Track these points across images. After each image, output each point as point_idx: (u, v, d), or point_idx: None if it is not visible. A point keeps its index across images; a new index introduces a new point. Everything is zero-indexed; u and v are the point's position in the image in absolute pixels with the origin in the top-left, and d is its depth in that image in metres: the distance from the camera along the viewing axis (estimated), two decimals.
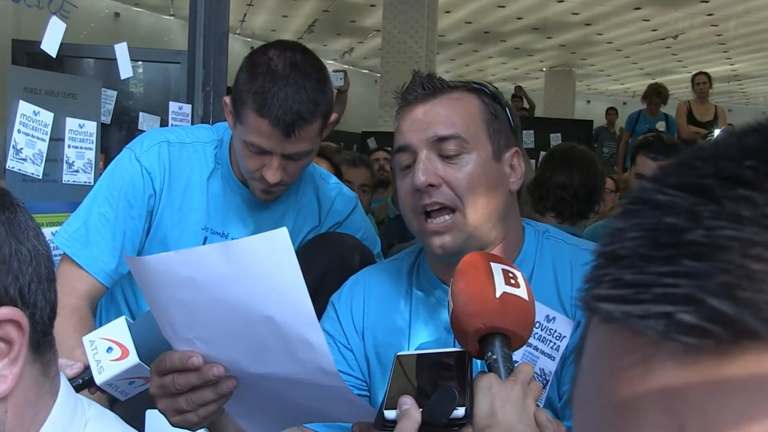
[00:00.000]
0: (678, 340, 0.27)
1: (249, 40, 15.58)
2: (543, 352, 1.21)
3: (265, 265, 0.92)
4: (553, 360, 1.20)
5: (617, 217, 0.32)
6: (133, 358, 1.15)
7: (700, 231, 0.28)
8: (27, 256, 0.77)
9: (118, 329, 1.18)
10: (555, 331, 1.20)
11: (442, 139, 1.26)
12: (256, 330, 0.98)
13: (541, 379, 1.21)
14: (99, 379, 1.15)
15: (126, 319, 1.19)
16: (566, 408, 1.23)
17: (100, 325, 1.91)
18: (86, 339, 1.18)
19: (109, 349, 1.16)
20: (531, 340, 1.08)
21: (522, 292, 1.03)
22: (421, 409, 0.90)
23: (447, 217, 1.26)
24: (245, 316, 0.97)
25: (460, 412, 0.91)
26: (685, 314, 0.27)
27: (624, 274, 0.29)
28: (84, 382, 1.17)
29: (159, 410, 1.10)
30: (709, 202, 0.28)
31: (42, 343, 0.80)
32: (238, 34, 14.78)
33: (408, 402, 0.91)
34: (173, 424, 1.10)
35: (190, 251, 0.98)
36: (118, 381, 1.17)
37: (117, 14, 13.33)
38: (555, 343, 1.21)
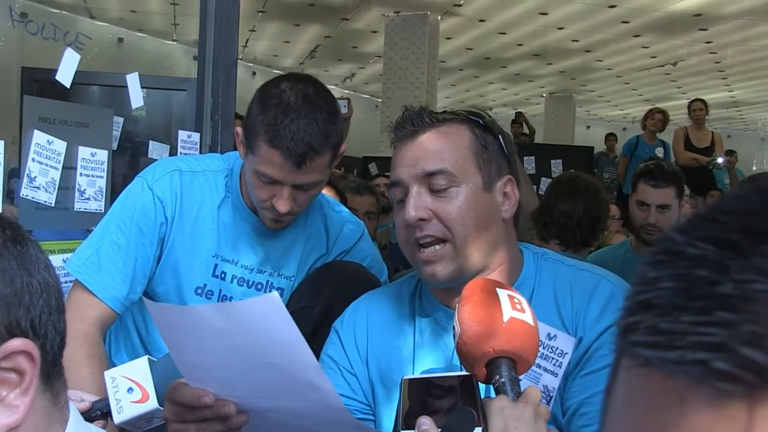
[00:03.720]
0: (711, 385, 0.29)
1: (251, 65, 15.68)
2: (546, 369, 1.23)
3: (262, 323, 0.95)
4: (556, 376, 1.22)
5: (648, 266, 0.34)
6: (152, 403, 1.18)
7: (730, 284, 0.30)
8: (38, 289, 0.78)
9: (140, 369, 1.19)
10: (557, 348, 1.23)
11: (431, 175, 1.30)
12: (263, 374, 1.02)
13: (545, 395, 1.23)
14: (118, 418, 1.17)
15: (149, 359, 1.21)
16: (570, 424, 1.26)
17: (109, 352, 1.94)
18: (108, 375, 1.20)
19: (130, 390, 1.18)
20: None
21: (527, 317, 1.06)
22: (440, 430, 0.92)
23: (438, 246, 1.30)
24: (251, 363, 1.01)
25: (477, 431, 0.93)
26: (718, 361, 0.29)
27: (659, 322, 0.32)
28: (102, 415, 1.19)
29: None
30: (737, 257, 0.30)
31: (52, 372, 0.81)
32: (241, 59, 14.84)
33: (426, 423, 0.93)
34: None
35: (191, 309, 1.01)
36: (135, 420, 1.20)
37: (121, 39, 13.43)
38: (557, 360, 1.23)
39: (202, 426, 1.10)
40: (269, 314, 0.93)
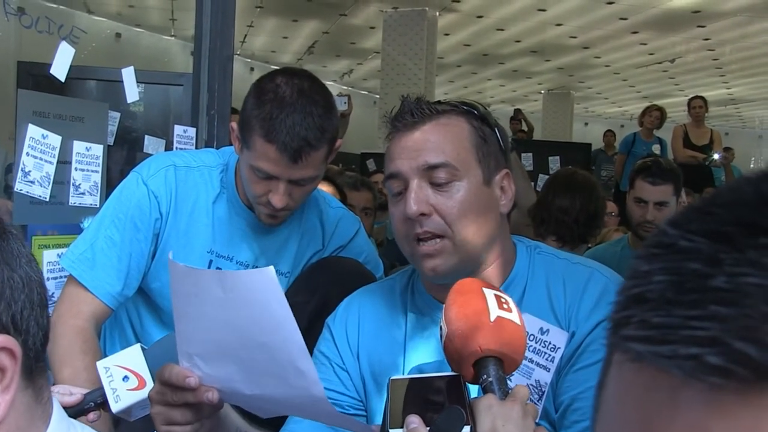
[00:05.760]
0: (704, 379, 0.29)
1: (249, 60, 15.66)
2: (538, 364, 1.22)
3: (255, 298, 0.95)
4: (549, 371, 1.21)
5: (641, 260, 0.33)
6: (149, 389, 1.17)
7: (723, 277, 0.29)
8: (20, 283, 0.76)
9: (134, 357, 1.19)
10: (549, 342, 1.22)
11: (433, 168, 1.27)
12: (251, 353, 1.02)
13: (537, 390, 1.22)
14: (115, 407, 1.16)
15: (141, 347, 1.20)
16: (563, 419, 1.24)
17: (104, 347, 1.93)
18: (101, 365, 1.19)
19: (125, 378, 1.17)
20: (526, 353, 1.10)
21: (514, 316, 1.05)
22: (428, 428, 0.92)
23: (437, 241, 1.28)
24: (241, 339, 1.01)
25: (466, 430, 0.92)
26: (711, 356, 0.28)
27: (651, 316, 0.31)
28: (96, 406, 1.18)
29: (151, 414, 1.13)
30: (731, 250, 0.30)
31: (34, 369, 0.79)
32: (239, 54, 14.84)
33: (415, 421, 0.92)
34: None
35: (194, 270, 1.01)
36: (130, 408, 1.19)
37: (118, 35, 13.41)
38: (550, 355, 1.22)
39: (186, 412, 1.10)
40: (262, 288, 0.93)
